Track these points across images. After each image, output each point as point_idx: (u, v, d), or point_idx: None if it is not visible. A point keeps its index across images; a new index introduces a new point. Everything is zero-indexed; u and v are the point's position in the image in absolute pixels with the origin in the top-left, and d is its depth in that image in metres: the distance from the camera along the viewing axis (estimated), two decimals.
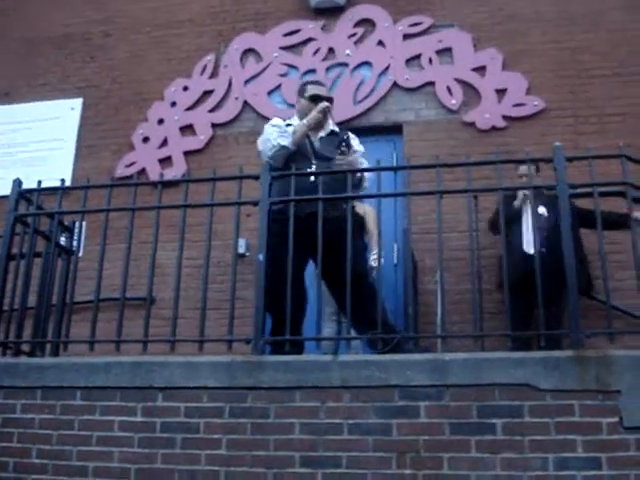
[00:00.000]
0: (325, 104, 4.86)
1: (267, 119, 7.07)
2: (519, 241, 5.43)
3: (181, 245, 4.31)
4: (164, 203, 4.55)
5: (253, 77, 7.42)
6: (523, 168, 5.47)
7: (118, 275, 4.49)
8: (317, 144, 4.88)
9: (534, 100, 6.64)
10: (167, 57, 7.78)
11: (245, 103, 7.34)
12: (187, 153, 7.28)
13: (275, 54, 7.44)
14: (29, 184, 4.79)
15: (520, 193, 5.50)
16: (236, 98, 7.36)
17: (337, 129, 5.05)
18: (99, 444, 3.89)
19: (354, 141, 4.99)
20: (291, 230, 4.13)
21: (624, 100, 6.56)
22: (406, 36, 7.23)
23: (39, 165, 7.47)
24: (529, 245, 5.17)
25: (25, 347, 4.64)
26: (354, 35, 7.33)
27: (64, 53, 8.11)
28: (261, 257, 4.15)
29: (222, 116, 7.34)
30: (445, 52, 7.12)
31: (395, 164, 6.68)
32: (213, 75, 7.53)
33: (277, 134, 4.80)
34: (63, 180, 4.88)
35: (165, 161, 7.29)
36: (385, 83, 7.10)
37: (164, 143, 7.37)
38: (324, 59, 7.32)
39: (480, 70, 6.97)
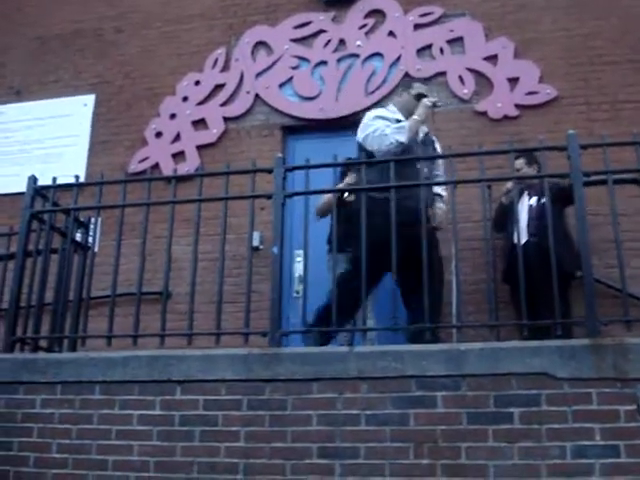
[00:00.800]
0: (433, 99, 5.10)
1: (279, 112, 7.17)
2: (510, 234, 5.47)
3: (196, 239, 4.33)
4: (178, 198, 4.57)
5: (264, 70, 7.41)
6: (519, 162, 5.47)
7: (134, 270, 4.52)
8: (419, 142, 5.02)
9: (546, 88, 6.60)
10: (178, 52, 7.78)
11: (257, 96, 7.33)
12: (200, 147, 7.28)
13: (286, 46, 7.42)
14: (44, 181, 4.83)
15: (504, 188, 5.54)
16: (248, 92, 7.36)
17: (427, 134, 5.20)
18: (118, 438, 3.93)
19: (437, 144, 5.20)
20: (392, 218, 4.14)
21: (637, 87, 6.51)
22: (417, 26, 7.20)
23: (53, 162, 7.50)
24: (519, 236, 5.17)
25: (43, 343, 4.67)
26: (365, 26, 7.31)
27: (75, 50, 8.12)
28: (276, 250, 4.17)
29: (234, 110, 7.34)
30: (456, 42, 7.08)
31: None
32: (224, 69, 7.53)
33: (393, 130, 4.85)
34: (78, 176, 4.91)
35: (178, 156, 7.29)
36: (396, 74, 7.07)
37: (177, 138, 7.38)
38: (335, 50, 7.30)
39: (492, 59, 6.93)
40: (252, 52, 7.51)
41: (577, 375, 3.52)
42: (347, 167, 5.55)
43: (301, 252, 4.97)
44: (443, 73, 6.99)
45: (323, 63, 7.28)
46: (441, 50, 7.06)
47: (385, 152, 4.72)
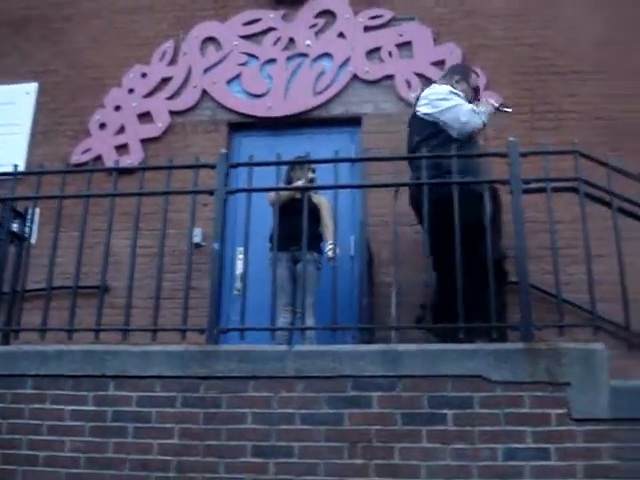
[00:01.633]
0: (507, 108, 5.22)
1: (226, 108, 7.12)
2: None
3: (135, 233, 4.27)
4: (119, 191, 4.50)
5: (212, 65, 7.36)
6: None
7: (72, 263, 4.43)
8: None
9: (491, 95, 6.68)
10: (126, 43, 7.67)
11: (204, 91, 7.27)
12: (144, 141, 7.20)
13: (235, 43, 7.38)
14: None
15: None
16: (195, 86, 7.30)
17: None
18: (50, 433, 3.86)
19: None
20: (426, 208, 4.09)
21: (580, 97, 6.66)
22: (367, 28, 7.24)
23: None
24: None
25: None
26: (315, 26, 7.32)
27: (22, 37, 7.94)
28: (216, 246, 4.14)
29: (180, 104, 7.27)
30: (405, 46, 7.14)
31: (354, 156, 6.70)
32: (172, 62, 7.45)
33: (482, 110, 4.91)
34: (16, 166, 4.80)
35: (122, 148, 7.20)
36: (345, 75, 7.10)
37: (121, 130, 7.29)
38: (284, 49, 7.29)
39: (439, 64, 6.99)
40: (201, 47, 7.45)
41: (510, 379, 3.57)
42: (292, 168, 5.57)
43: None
44: (391, 76, 7.04)
45: (272, 61, 7.26)
46: (390, 53, 7.11)
47: (467, 129, 4.79)
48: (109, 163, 6.92)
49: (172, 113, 7.26)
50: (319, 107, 7.06)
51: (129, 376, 3.85)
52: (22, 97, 7.63)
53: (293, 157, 5.28)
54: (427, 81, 6.92)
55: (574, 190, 4.14)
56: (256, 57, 7.31)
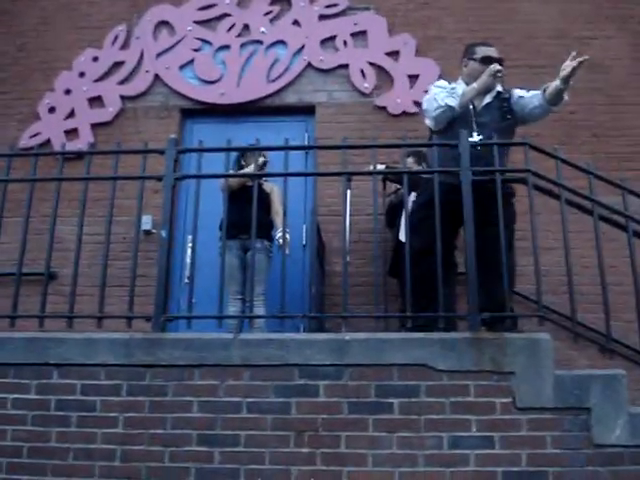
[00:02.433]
0: (497, 67, 4.58)
1: (178, 94, 7.04)
2: (397, 231, 5.61)
3: (81, 219, 4.19)
4: (67, 176, 4.42)
5: (165, 50, 7.28)
6: (408, 160, 5.55)
7: (18, 249, 4.34)
8: (480, 110, 4.65)
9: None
10: (77, 25, 7.54)
11: (156, 77, 7.19)
12: (95, 125, 7.09)
13: (189, 28, 7.30)
14: None
15: (392, 187, 5.66)
16: (147, 71, 7.20)
17: (502, 90, 4.78)
18: None
19: (516, 94, 4.74)
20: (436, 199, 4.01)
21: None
22: (322, 17, 7.23)
23: None
24: (403, 235, 5.19)
25: None
26: (270, 13, 7.28)
27: None
28: (164, 233, 4.09)
29: (132, 89, 7.18)
30: (360, 35, 7.15)
31: (306, 145, 6.70)
32: (124, 46, 7.35)
33: (445, 94, 4.58)
34: None
35: (72, 133, 7.09)
36: (299, 63, 7.08)
37: (71, 114, 7.16)
38: (239, 35, 7.23)
39: (394, 55, 7.03)
40: (154, 31, 7.37)
41: (456, 367, 3.59)
42: (242, 155, 5.53)
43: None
44: (345, 65, 7.05)
45: (226, 47, 7.21)
46: (345, 42, 7.11)
47: (435, 117, 4.57)
48: (58, 148, 6.80)
49: (124, 98, 7.16)
50: (272, 95, 7.03)
51: (73, 364, 3.78)
52: None
53: (244, 144, 5.22)
54: (381, 71, 6.96)
55: (523, 181, 4.16)
56: (210, 43, 7.25)
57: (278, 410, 3.59)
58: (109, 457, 3.62)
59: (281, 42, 7.17)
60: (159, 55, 7.25)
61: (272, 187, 5.76)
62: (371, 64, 7.00)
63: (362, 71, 6.97)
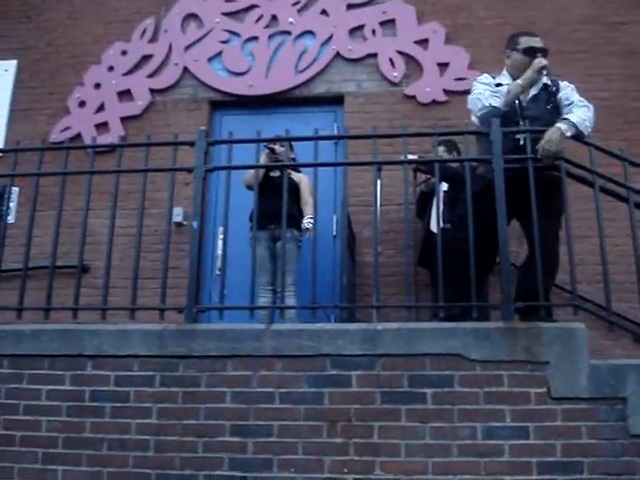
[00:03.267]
0: (542, 62, 4.42)
1: (207, 86, 7.06)
2: (428, 221, 5.58)
3: (114, 211, 4.22)
4: (97, 168, 4.44)
5: (194, 43, 7.29)
6: (439, 149, 5.51)
7: (52, 242, 4.38)
8: (526, 104, 4.52)
9: (475, 75, 6.60)
10: (106, 20, 7.58)
11: (185, 69, 7.21)
12: (124, 119, 7.13)
13: (217, 20, 7.30)
14: None
15: (422, 177, 5.60)
16: (176, 64, 7.23)
17: (550, 82, 4.60)
18: (27, 413, 3.81)
19: (564, 91, 4.56)
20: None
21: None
22: (350, 6, 7.18)
23: None
24: (434, 225, 5.16)
25: None
26: (297, 3, 7.25)
27: None
28: (195, 225, 4.10)
29: (161, 82, 7.21)
30: (388, 24, 7.10)
31: (336, 135, 6.68)
32: (153, 39, 7.38)
33: (489, 93, 4.46)
34: None
35: (102, 126, 7.14)
36: (328, 53, 7.06)
37: (101, 108, 7.21)
38: (267, 26, 7.22)
39: (423, 43, 6.98)
40: (182, 24, 7.38)
41: (490, 357, 3.56)
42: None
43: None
44: (374, 55, 7.00)
45: (254, 39, 7.20)
46: (373, 31, 7.06)
47: (480, 117, 4.46)
48: (88, 141, 6.83)
49: (153, 91, 7.19)
50: (301, 86, 7.01)
51: (107, 355, 3.81)
52: (1, 74, 7.53)
53: (273, 135, 5.21)
54: (410, 60, 6.91)
55: (555, 168, 4.11)
56: (238, 35, 7.24)
57: (311, 400, 3.59)
58: (143, 447, 3.65)
59: (309, 32, 7.14)
60: (187, 48, 7.27)
61: (301, 178, 5.75)
62: (400, 53, 6.95)
63: (391, 60, 6.93)
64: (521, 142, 4.26)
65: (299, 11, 7.23)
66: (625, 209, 4.07)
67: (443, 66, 6.87)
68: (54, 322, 4.09)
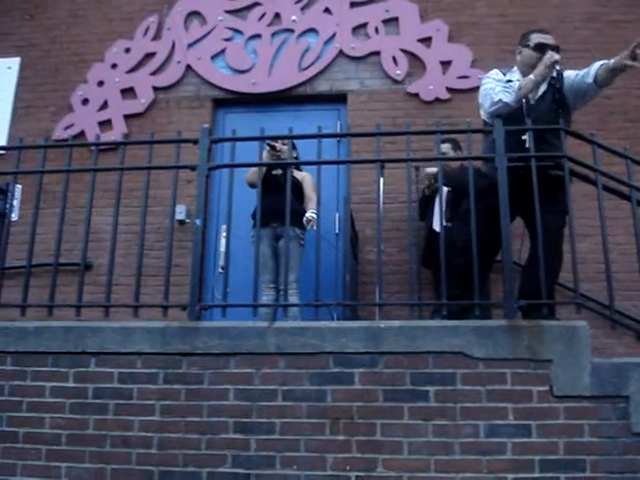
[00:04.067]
0: (554, 57, 4.37)
1: (210, 84, 7.06)
2: (431, 220, 5.57)
3: (117, 209, 4.22)
4: (100, 166, 4.45)
5: (197, 40, 7.29)
6: (444, 146, 5.52)
7: (55, 240, 4.39)
8: (534, 102, 4.52)
9: (478, 73, 6.64)
10: (108, 17, 7.59)
11: (188, 67, 7.21)
12: (128, 117, 7.14)
13: (220, 18, 7.30)
14: None
15: (425, 176, 5.64)
16: (179, 62, 7.23)
17: (555, 76, 4.51)
18: (30, 410, 3.82)
19: (567, 82, 4.52)
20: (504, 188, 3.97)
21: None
22: (353, 4, 7.18)
23: None
24: (437, 224, 5.17)
25: None
26: (300, 1, 7.25)
27: (1, 11, 7.81)
28: (198, 222, 4.11)
29: (164, 79, 7.21)
30: (391, 22, 7.10)
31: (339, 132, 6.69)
32: (156, 37, 7.38)
33: (500, 89, 4.42)
34: None
35: (105, 124, 7.14)
36: (331, 51, 7.05)
37: (104, 106, 7.22)
38: (270, 24, 7.22)
39: (426, 41, 6.98)
40: (185, 22, 7.38)
41: (492, 355, 3.56)
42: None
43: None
44: (377, 53, 7.01)
45: (257, 36, 7.20)
46: (376, 29, 7.06)
47: (490, 113, 4.41)
48: (92, 139, 6.86)
49: (156, 89, 7.20)
50: (304, 83, 7.01)
51: (110, 352, 3.82)
52: (4, 72, 7.54)
53: (276, 133, 5.21)
54: (413, 58, 6.91)
55: (558, 167, 4.10)
56: (241, 32, 7.24)
57: (313, 398, 3.60)
58: (146, 445, 3.65)
59: (312, 30, 7.14)
60: (190, 45, 7.27)
61: (304, 175, 5.75)
62: (403, 51, 6.95)
63: (394, 58, 6.93)
64: (523, 137, 4.24)
65: (302, 9, 7.22)
66: (628, 207, 4.07)
67: (446, 64, 6.87)
68: (57, 319, 4.10)
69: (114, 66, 7.32)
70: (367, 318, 4.46)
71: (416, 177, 5.71)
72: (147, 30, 7.39)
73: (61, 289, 4.29)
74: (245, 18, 7.29)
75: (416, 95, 6.82)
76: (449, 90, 6.76)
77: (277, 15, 7.25)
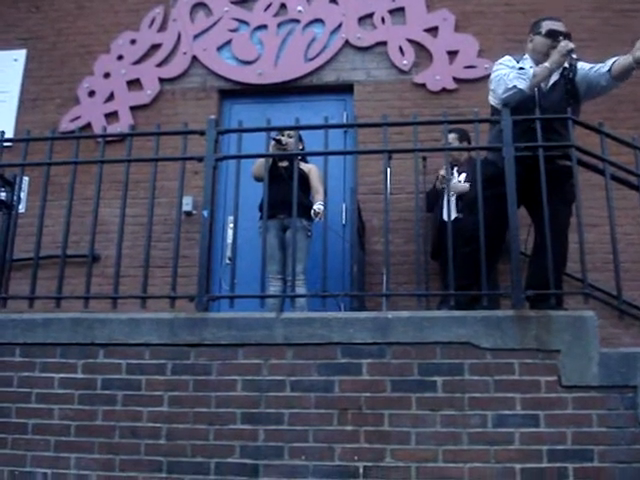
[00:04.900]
0: (569, 45, 4.32)
1: (216, 75, 7.05)
2: (439, 212, 5.58)
3: (124, 201, 4.22)
4: (107, 158, 4.45)
5: (203, 32, 7.27)
6: (451, 136, 5.52)
7: (62, 231, 4.40)
8: (546, 91, 4.50)
9: (485, 62, 6.63)
10: (114, 9, 7.58)
11: (194, 58, 7.20)
12: (134, 108, 7.13)
13: (225, 9, 7.28)
14: None
15: (439, 174, 5.63)
16: (185, 53, 7.22)
17: (568, 65, 4.51)
18: (39, 401, 3.84)
19: (580, 74, 4.51)
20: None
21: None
22: None
23: None
24: (446, 214, 5.16)
25: None
26: None
27: (7, 3, 7.81)
28: (206, 213, 4.11)
29: (170, 71, 7.20)
30: (398, 11, 7.06)
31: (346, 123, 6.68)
32: (162, 29, 7.36)
33: (514, 75, 4.37)
34: (3, 132, 4.73)
35: (111, 116, 7.14)
36: (337, 41, 7.03)
37: (110, 97, 7.22)
38: (276, 15, 7.20)
39: (432, 31, 6.95)
40: (190, 13, 7.36)
41: (500, 345, 3.56)
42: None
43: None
44: (384, 43, 6.98)
45: (263, 27, 7.18)
46: (382, 19, 7.03)
47: (504, 99, 4.35)
48: (98, 131, 6.87)
49: (162, 80, 7.19)
50: (310, 74, 6.99)
51: (118, 344, 3.83)
52: (10, 64, 7.53)
53: (282, 124, 5.20)
54: (420, 48, 6.89)
55: (567, 157, 4.09)
56: (247, 23, 7.22)
57: (321, 388, 3.60)
58: (154, 435, 3.66)
59: (318, 20, 7.11)
60: (196, 36, 7.25)
61: (310, 167, 5.73)
62: (409, 41, 6.92)
63: (400, 48, 6.90)
64: (532, 125, 4.15)
65: (308, 0, 7.20)
66: (636, 197, 4.06)
67: (453, 54, 6.84)
68: (65, 311, 4.11)
69: (120, 58, 7.31)
70: (374, 309, 4.46)
71: (423, 168, 5.70)
72: (153, 21, 7.37)
73: (69, 281, 4.30)
74: (251, 9, 7.26)
75: (423, 85, 6.80)
76: (456, 80, 6.74)
77: (283, 5, 7.22)
